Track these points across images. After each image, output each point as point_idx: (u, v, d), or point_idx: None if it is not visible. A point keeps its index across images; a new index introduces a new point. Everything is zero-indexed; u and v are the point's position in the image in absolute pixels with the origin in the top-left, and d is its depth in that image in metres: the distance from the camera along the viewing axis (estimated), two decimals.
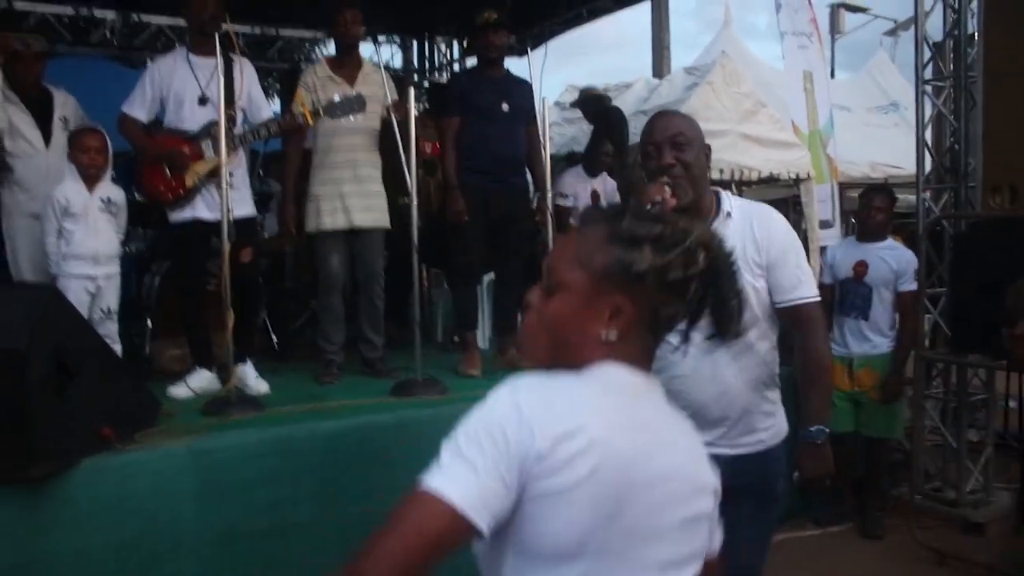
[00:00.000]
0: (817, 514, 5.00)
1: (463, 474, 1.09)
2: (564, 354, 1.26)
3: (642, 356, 1.29)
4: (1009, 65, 4.68)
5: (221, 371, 4.15)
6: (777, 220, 2.42)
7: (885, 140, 9.63)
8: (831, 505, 5.02)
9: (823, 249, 6.63)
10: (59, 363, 3.02)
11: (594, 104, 6.93)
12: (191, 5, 4.25)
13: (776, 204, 12.38)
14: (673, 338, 2.27)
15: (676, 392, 2.33)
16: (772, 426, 2.40)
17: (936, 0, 5.40)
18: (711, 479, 1.33)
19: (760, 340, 2.34)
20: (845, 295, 4.90)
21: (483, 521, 1.08)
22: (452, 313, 5.45)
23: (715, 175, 7.48)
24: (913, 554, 4.56)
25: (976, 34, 5.11)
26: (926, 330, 5.13)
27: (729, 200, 2.37)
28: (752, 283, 2.30)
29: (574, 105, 7.64)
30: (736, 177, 7.60)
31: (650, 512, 1.19)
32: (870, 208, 4.97)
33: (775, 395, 2.41)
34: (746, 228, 2.33)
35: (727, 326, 1.33)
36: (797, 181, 7.93)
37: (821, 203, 8.09)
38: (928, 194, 5.41)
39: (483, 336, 5.50)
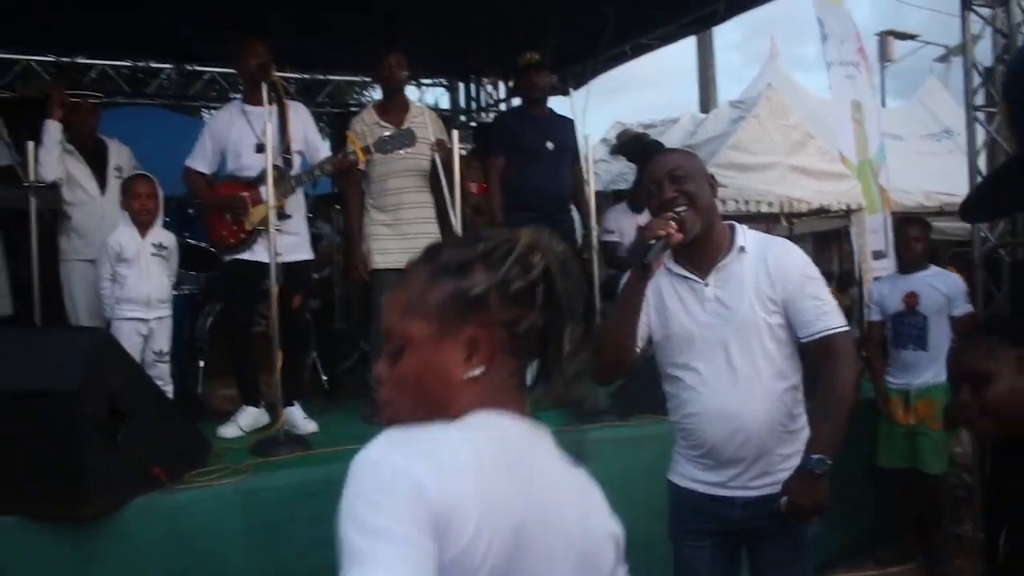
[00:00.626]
0: (877, 554, 4.86)
1: (388, 552, 0.95)
2: (433, 410, 1.12)
3: (513, 388, 1.17)
4: None
5: (270, 409, 4.20)
6: (793, 254, 2.34)
7: (939, 168, 9.48)
8: (891, 544, 4.88)
9: (876, 280, 6.52)
10: (112, 405, 3.09)
11: (633, 145, 6.95)
12: (240, 56, 4.37)
13: (827, 236, 12.29)
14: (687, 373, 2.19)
15: (689, 431, 2.33)
16: (792, 467, 2.27)
17: (985, 25, 5.34)
18: (609, 528, 1.21)
19: (776, 379, 2.26)
20: (899, 328, 4.80)
21: None
22: None
23: (764, 208, 7.44)
24: None
25: None
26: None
27: (744, 234, 2.32)
28: (765, 319, 2.25)
29: (614, 153, 7.67)
30: (786, 209, 7.55)
31: (542, 567, 1.08)
32: (908, 240, 4.90)
33: (797, 438, 2.29)
34: (760, 263, 2.28)
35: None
36: (848, 212, 7.84)
37: (874, 233, 7.97)
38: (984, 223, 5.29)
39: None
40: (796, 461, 2.27)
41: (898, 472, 4.78)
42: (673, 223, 2.17)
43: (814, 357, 2.28)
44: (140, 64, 8.20)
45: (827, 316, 2.26)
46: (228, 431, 4.20)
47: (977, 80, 5.35)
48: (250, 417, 4.29)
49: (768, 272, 2.26)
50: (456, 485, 1.00)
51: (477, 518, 1.01)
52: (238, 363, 4.49)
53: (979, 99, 5.37)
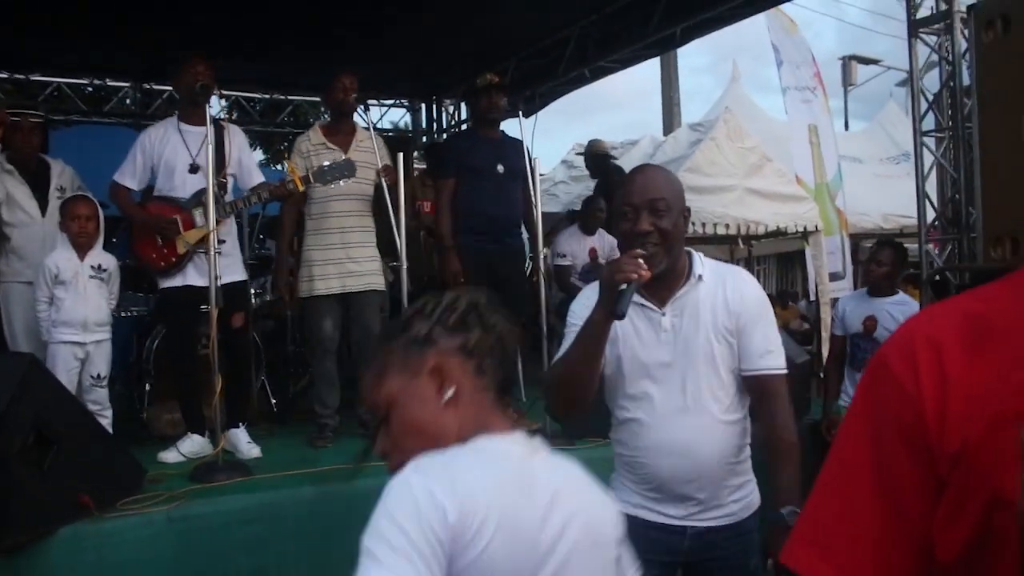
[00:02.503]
0: None
1: (402, 565, 1.10)
2: (431, 445, 1.27)
3: (489, 402, 1.35)
4: (1003, 116, 4.65)
5: (213, 436, 4.14)
6: (751, 285, 2.30)
7: (897, 190, 9.61)
8: None
9: (834, 301, 6.57)
10: (38, 432, 3.03)
11: (599, 161, 6.97)
12: (181, 76, 4.32)
13: (791, 256, 12.41)
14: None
15: (640, 465, 2.23)
16: (742, 499, 2.26)
17: (931, 52, 5.42)
18: (610, 512, 1.37)
19: (729, 411, 2.21)
20: (856, 350, 4.82)
21: None
22: None
23: (721, 230, 7.50)
24: None
25: (971, 85, 5.10)
26: None
27: (701, 263, 2.25)
28: (721, 350, 2.20)
29: (580, 154, 7.70)
30: (743, 232, 7.61)
31: (564, 566, 1.22)
32: (871, 263, 4.93)
33: (745, 467, 2.27)
34: (718, 291, 2.23)
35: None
36: (805, 234, 7.91)
37: (831, 255, 8.05)
38: (933, 245, 5.36)
39: None
40: (745, 492, 2.27)
41: None
42: (642, 261, 2.02)
43: (750, 392, 2.25)
44: (98, 82, 8.13)
45: (773, 355, 2.23)
46: (169, 456, 4.13)
47: (924, 105, 5.43)
48: (193, 444, 4.22)
49: (726, 301, 2.21)
50: (471, 501, 1.15)
51: (494, 529, 1.15)
52: (181, 389, 4.43)
53: (927, 124, 5.44)
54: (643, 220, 2.13)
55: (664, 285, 2.18)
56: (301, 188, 4.31)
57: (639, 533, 2.24)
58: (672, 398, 2.18)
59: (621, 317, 1.99)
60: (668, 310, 2.20)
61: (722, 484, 2.22)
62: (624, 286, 1.97)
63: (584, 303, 2.22)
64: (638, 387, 2.21)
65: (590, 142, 7.38)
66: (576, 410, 2.22)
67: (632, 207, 2.15)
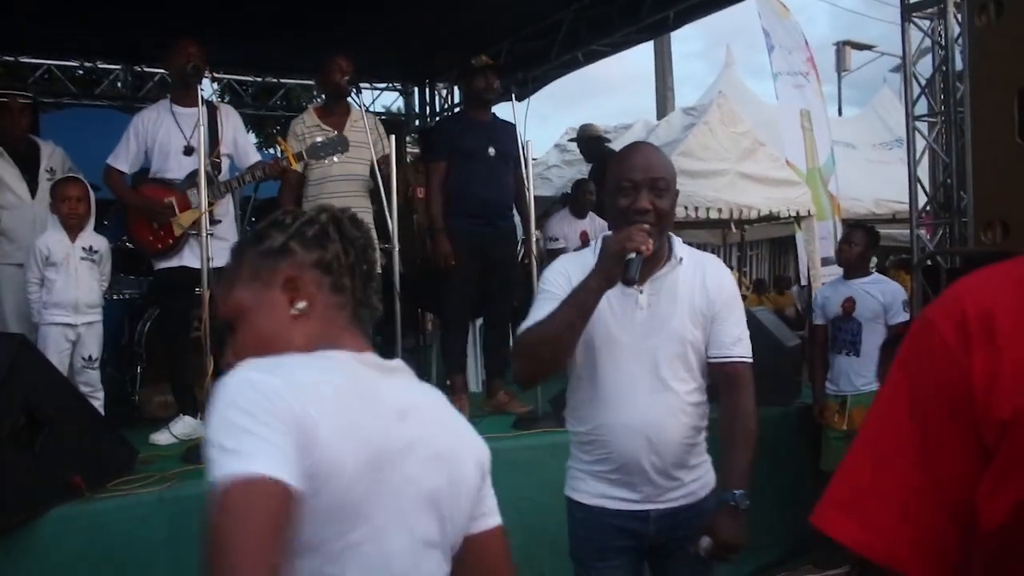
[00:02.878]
0: (815, 557, 4.90)
1: (247, 447, 1.02)
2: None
3: (345, 321, 1.31)
4: (995, 101, 4.65)
5: (204, 419, 4.14)
6: (727, 273, 2.35)
7: (890, 176, 9.64)
8: (828, 547, 4.92)
9: (821, 285, 6.57)
10: (29, 414, 3.03)
11: (593, 144, 6.96)
12: (172, 57, 4.30)
13: (783, 242, 12.41)
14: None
15: (602, 443, 2.22)
16: (700, 477, 2.28)
17: (924, 37, 5.41)
18: (470, 449, 1.33)
19: (694, 392, 2.23)
20: (836, 333, 4.86)
21: (295, 480, 1.03)
22: None
23: (713, 214, 7.51)
24: None
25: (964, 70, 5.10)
26: None
27: (680, 245, 2.27)
28: (694, 332, 2.21)
29: (573, 140, 7.68)
30: (735, 216, 7.61)
31: (397, 492, 1.17)
32: (843, 244, 4.97)
33: (702, 447, 2.29)
34: (697, 275, 2.24)
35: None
36: (797, 218, 7.92)
37: (823, 240, 8.06)
38: (924, 230, 5.37)
39: (476, 379, 5.47)
40: (703, 471, 2.29)
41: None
42: (647, 235, 2.04)
43: (715, 378, 2.27)
44: (89, 64, 8.08)
45: (742, 344, 2.25)
46: (161, 438, 4.13)
47: (917, 90, 5.42)
48: (186, 426, 4.22)
49: (705, 286, 2.23)
50: (310, 400, 1.09)
51: (330, 437, 1.08)
52: (173, 371, 4.42)
53: (920, 108, 5.44)
54: (643, 198, 2.12)
55: (644, 264, 2.14)
56: (295, 165, 4.30)
57: (603, 523, 2.25)
58: (641, 376, 2.18)
59: (633, 283, 2.03)
60: (646, 289, 2.20)
61: (682, 464, 2.23)
62: (632, 255, 2.00)
63: (559, 270, 2.24)
64: (607, 363, 2.20)
65: (582, 126, 7.37)
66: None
67: (632, 183, 2.13)
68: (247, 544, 0.97)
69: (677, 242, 2.27)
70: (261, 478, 1.00)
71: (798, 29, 7.93)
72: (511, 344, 2.24)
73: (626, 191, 2.14)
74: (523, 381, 2.42)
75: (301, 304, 1.27)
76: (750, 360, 2.27)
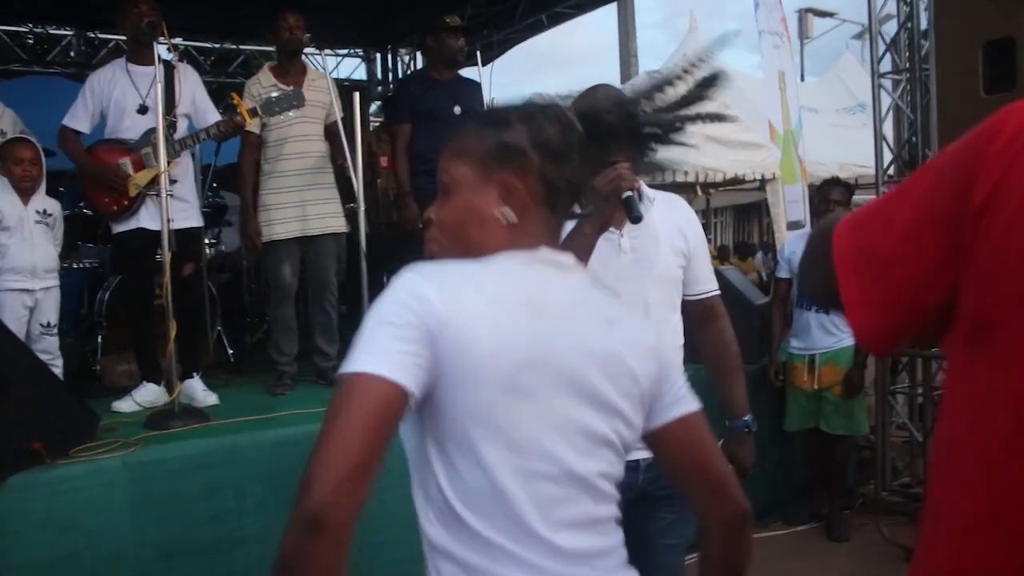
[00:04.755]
0: (787, 512, 4.94)
1: (380, 350, 1.12)
2: (469, 249, 1.27)
3: (545, 238, 1.30)
4: (960, 56, 4.66)
5: (169, 385, 4.06)
6: (691, 210, 2.39)
7: (853, 140, 9.69)
8: (800, 503, 4.97)
9: (788, 238, 6.58)
10: None
11: None
12: (127, 15, 4.18)
13: (747, 208, 12.48)
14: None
15: None
16: None
17: None
18: (642, 345, 1.32)
19: (675, 336, 2.26)
20: None
21: (412, 385, 1.11)
22: None
23: (680, 177, 7.49)
24: (882, 551, 4.49)
25: (929, 27, 5.10)
26: None
27: (645, 186, 2.26)
28: (678, 274, 2.25)
29: None
30: (701, 179, 7.60)
31: (554, 395, 1.20)
32: (827, 201, 4.94)
33: None
34: (669, 214, 2.26)
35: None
36: (763, 182, 7.93)
37: (792, 203, 8.08)
38: (887, 188, 5.39)
39: None
40: None
41: (804, 434, 4.85)
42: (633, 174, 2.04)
43: (695, 315, 2.33)
44: (39, 30, 7.84)
45: (713, 279, 2.34)
46: (124, 406, 4.04)
47: (882, 47, 5.42)
48: (149, 393, 4.13)
49: (679, 224, 2.26)
50: (462, 302, 1.15)
51: (487, 337, 1.15)
52: (136, 337, 4.34)
53: (884, 66, 5.44)
54: None
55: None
56: (250, 120, 4.20)
57: None
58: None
59: (640, 219, 2.02)
60: (626, 232, 2.19)
61: None
62: (629, 193, 1.98)
63: None
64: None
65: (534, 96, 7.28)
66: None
67: None
68: (344, 447, 1.07)
69: (643, 184, 2.25)
70: (378, 377, 1.10)
71: None
72: None
73: None
74: None
75: (509, 214, 1.27)
76: (719, 292, 2.36)
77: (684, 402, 1.37)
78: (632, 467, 2.18)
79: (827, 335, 4.72)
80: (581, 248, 2.01)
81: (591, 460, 1.24)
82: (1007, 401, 0.91)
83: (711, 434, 1.42)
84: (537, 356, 1.19)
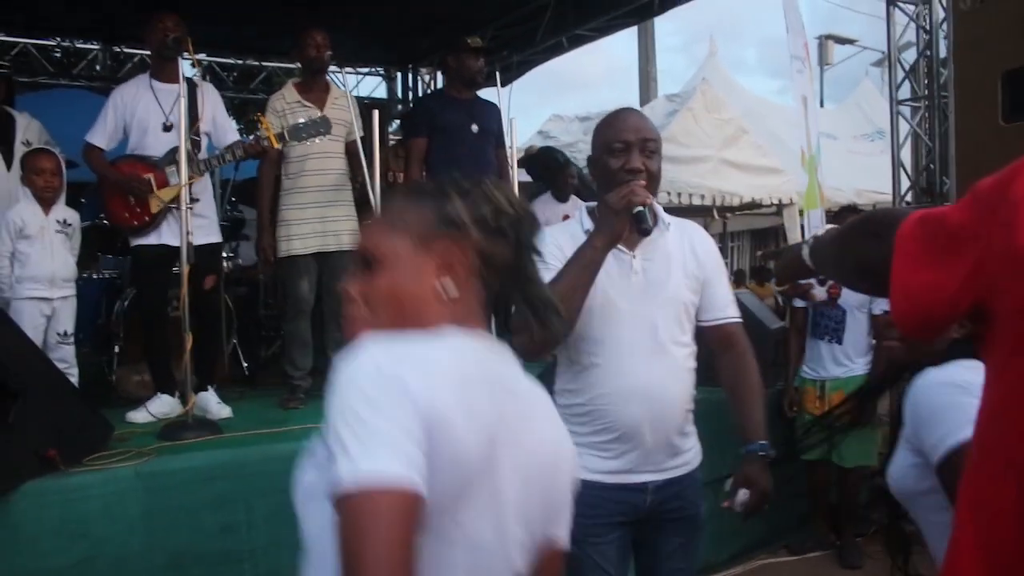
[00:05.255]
0: (790, 541, 4.90)
1: (382, 442, 0.99)
2: (406, 327, 1.17)
3: (481, 316, 1.24)
4: (979, 84, 4.66)
5: (183, 396, 4.09)
6: (710, 238, 2.40)
7: (871, 167, 9.67)
8: (804, 532, 4.93)
9: None
10: (1, 384, 2.96)
11: (535, 160, 6.92)
12: (152, 30, 4.24)
13: (764, 232, 12.44)
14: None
15: (601, 413, 2.18)
16: (693, 447, 2.29)
17: (909, 21, 5.43)
18: (569, 445, 1.30)
19: (689, 358, 2.24)
20: (819, 319, 4.82)
21: (424, 479, 1.00)
22: None
23: (696, 201, 7.50)
24: None
25: (947, 55, 5.11)
26: None
27: (662, 211, 2.27)
28: (689, 298, 2.23)
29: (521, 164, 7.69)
30: (718, 203, 7.60)
31: (509, 476, 1.14)
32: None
33: (691, 415, 2.30)
34: (685, 240, 2.27)
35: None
36: (780, 207, 7.93)
37: (816, 229, 8.04)
38: None
39: None
40: (694, 440, 2.30)
41: (812, 463, 4.82)
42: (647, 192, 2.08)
43: (712, 342, 2.31)
44: (66, 44, 7.96)
45: (733, 305, 2.31)
46: (138, 417, 4.07)
47: (901, 75, 5.44)
48: (163, 405, 4.16)
49: (695, 250, 2.25)
50: (441, 392, 1.05)
51: (462, 425, 1.05)
52: (151, 350, 4.37)
53: (903, 93, 5.45)
54: (636, 158, 2.13)
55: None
56: (276, 145, 4.24)
57: (598, 498, 2.18)
58: (641, 342, 2.17)
59: (650, 232, 2.05)
60: (639, 254, 2.20)
61: (680, 430, 2.23)
62: (640, 208, 2.02)
63: (548, 242, 2.16)
64: (606, 330, 2.17)
65: (526, 150, 7.32)
66: (556, 345, 2.18)
67: (625, 144, 2.14)
68: (383, 561, 0.95)
69: (659, 208, 2.26)
70: (391, 483, 0.97)
71: (800, 13, 7.88)
72: (512, 319, 2.14)
73: (617, 152, 2.14)
74: (533, 354, 2.34)
75: (450, 287, 1.19)
76: (740, 320, 2.32)
77: (564, 536, 1.29)
78: (639, 489, 2.20)
79: (838, 365, 4.72)
80: (590, 262, 2.05)
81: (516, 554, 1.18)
82: None
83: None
84: (492, 438, 1.11)
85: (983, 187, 1.02)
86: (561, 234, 2.24)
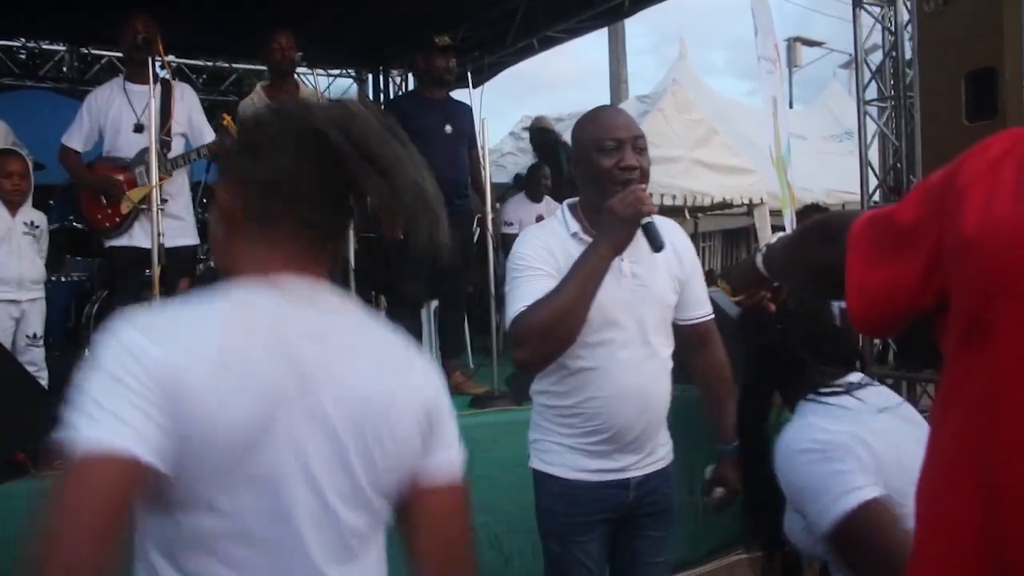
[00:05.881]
0: (757, 539, 4.94)
1: (113, 413, 0.96)
2: (229, 264, 1.17)
3: (293, 246, 1.15)
4: (944, 85, 4.73)
5: None
6: (686, 235, 2.37)
7: (840, 167, 9.78)
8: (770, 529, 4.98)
9: None
10: None
11: (539, 136, 6.97)
12: (122, 34, 4.23)
13: (735, 233, 12.51)
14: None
15: (592, 415, 2.16)
16: (667, 441, 2.30)
17: (875, 23, 5.50)
18: (405, 393, 1.17)
19: (668, 358, 2.23)
20: None
21: (152, 456, 0.96)
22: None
23: (668, 201, 7.55)
24: None
25: (913, 56, 5.19)
26: (877, 346, 5.13)
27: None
28: (673, 299, 2.21)
29: (526, 128, 7.69)
30: (689, 203, 7.66)
31: (297, 439, 1.07)
32: None
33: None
34: (667, 240, 2.14)
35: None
36: (751, 207, 8.00)
37: (781, 229, 8.15)
38: None
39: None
40: (667, 435, 2.30)
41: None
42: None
43: (687, 339, 2.28)
44: (32, 45, 7.87)
45: (708, 302, 2.30)
46: None
47: (868, 75, 5.51)
48: None
49: (675, 249, 2.20)
50: (188, 357, 1.00)
51: (217, 388, 1.00)
52: None
53: (870, 94, 5.53)
54: (630, 155, 2.06)
55: None
56: None
57: (583, 496, 2.20)
58: (633, 344, 2.15)
59: (662, 248, 1.97)
60: (627, 256, 2.10)
61: (660, 428, 2.25)
62: (649, 219, 1.94)
63: (537, 244, 2.13)
64: (599, 334, 2.11)
65: (536, 118, 7.37)
66: (558, 356, 2.09)
67: (617, 141, 2.07)
68: (74, 544, 0.93)
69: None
70: (109, 452, 0.95)
71: (770, 14, 7.95)
72: (510, 327, 2.12)
73: (609, 150, 2.07)
74: (533, 365, 2.21)
75: (220, 236, 1.18)
76: (713, 316, 2.31)
77: (443, 469, 1.21)
78: (622, 485, 2.19)
79: None
80: (594, 272, 1.97)
81: (337, 516, 1.12)
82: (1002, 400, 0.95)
83: (462, 517, 1.24)
84: (268, 408, 1.05)
85: (931, 181, 1.04)
86: (548, 236, 2.17)
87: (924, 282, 1.01)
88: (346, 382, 1.12)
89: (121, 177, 4.13)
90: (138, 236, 4.14)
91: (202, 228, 5.60)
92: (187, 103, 4.34)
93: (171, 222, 3.96)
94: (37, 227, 4.05)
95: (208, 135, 4.40)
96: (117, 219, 4.14)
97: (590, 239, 2.08)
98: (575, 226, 2.16)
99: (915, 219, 1.03)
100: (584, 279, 1.97)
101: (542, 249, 2.09)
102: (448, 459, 1.22)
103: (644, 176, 2.07)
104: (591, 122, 2.17)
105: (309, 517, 1.08)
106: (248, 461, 1.04)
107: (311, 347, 1.10)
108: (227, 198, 1.16)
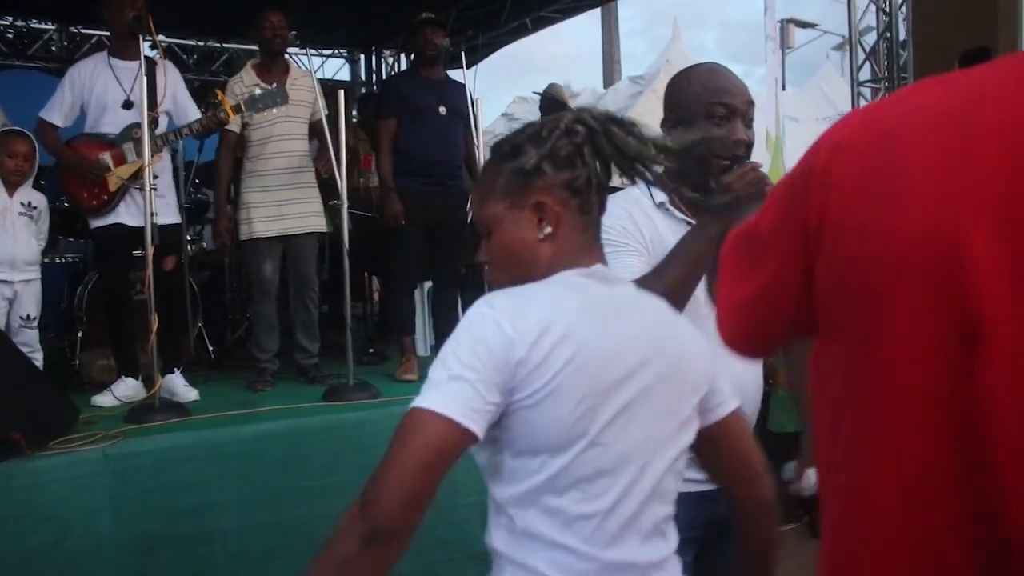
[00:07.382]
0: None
1: (453, 389, 1.18)
2: (522, 273, 1.35)
3: (587, 242, 1.38)
4: (937, 66, 4.73)
5: (147, 381, 4.05)
6: None
7: None
8: (786, 502, 5.01)
9: None
10: None
11: (549, 104, 6.90)
12: (112, 10, 4.17)
13: None
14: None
15: None
16: None
17: (869, 4, 5.50)
18: (696, 354, 1.38)
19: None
20: None
21: (477, 427, 1.18)
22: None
23: None
24: None
25: (907, 37, 5.19)
26: None
27: None
28: None
29: (527, 96, 7.62)
30: None
31: (632, 401, 1.27)
32: None
33: None
34: None
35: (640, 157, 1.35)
36: None
37: None
38: None
39: (424, 343, 5.43)
40: None
41: (789, 436, 4.89)
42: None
43: None
44: (20, 24, 7.79)
45: None
46: (103, 400, 4.03)
47: (862, 56, 5.51)
48: (128, 388, 4.12)
49: None
50: (542, 327, 1.21)
51: (568, 351, 1.21)
52: (114, 333, 4.31)
53: (864, 75, 5.53)
54: (740, 128, 1.84)
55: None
56: (233, 117, 4.20)
57: (685, 509, 1.62)
58: (717, 342, 1.84)
59: None
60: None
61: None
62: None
63: (619, 213, 1.83)
64: (692, 316, 1.74)
65: (550, 85, 7.27)
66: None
67: (729, 108, 1.84)
68: (401, 478, 1.15)
69: None
70: (443, 418, 1.17)
71: None
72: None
73: (720, 117, 1.84)
74: None
75: (547, 229, 1.34)
76: None
77: (726, 403, 1.44)
78: (711, 498, 1.80)
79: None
80: (702, 253, 1.76)
81: (663, 454, 1.33)
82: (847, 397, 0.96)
83: (747, 433, 1.51)
84: (621, 363, 1.26)
85: (781, 183, 1.03)
86: (632, 205, 1.90)
87: (791, 273, 0.99)
88: (656, 346, 1.32)
89: (107, 154, 4.06)
90: (123, 214, 4.08)
91: (195, 209, 5.61)
92: (172, 81, 4.27)
93: (158, 201, 3.90)
94: (35, 208, 4.00)
95: (193, 112, 4.35)
96: (105, 197, 4.09)
97: (678, 211, 1.91)
98: (661, 196, 1.92)
99: (773, 223, 1.02)
100: (691, 262, 1.77)
101: (628, 220, 1.85)
102: (726, 394, 1.45)
103: (749, 151, 1.87)
104: (699, 81, 1.90)
105: (644, 449, 1.31)
106: (592, 418, 1.25)
107: (619, 315, 1.31)
108: (545, 198, 1.34)
